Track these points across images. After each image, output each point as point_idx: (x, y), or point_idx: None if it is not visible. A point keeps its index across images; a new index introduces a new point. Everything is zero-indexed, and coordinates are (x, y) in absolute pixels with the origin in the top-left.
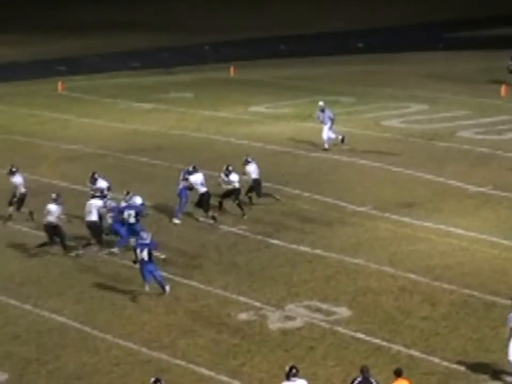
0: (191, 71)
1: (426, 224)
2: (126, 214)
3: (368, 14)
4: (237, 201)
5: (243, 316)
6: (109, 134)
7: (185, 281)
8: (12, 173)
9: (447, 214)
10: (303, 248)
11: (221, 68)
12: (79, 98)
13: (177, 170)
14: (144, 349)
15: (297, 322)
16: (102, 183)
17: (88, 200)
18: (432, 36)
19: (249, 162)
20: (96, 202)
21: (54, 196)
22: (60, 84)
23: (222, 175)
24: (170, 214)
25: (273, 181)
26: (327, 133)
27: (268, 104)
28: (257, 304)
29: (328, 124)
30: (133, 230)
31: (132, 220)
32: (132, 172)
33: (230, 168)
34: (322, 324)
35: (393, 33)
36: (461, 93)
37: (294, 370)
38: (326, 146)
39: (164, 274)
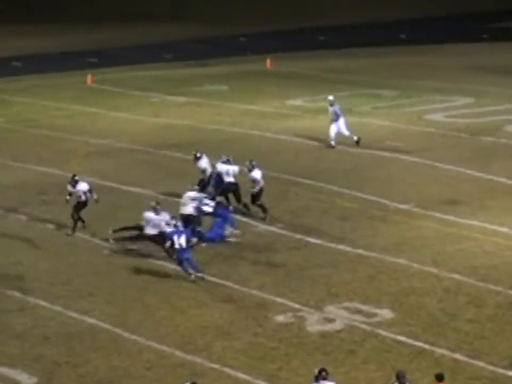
0: (226, 63)
1: (471, 222)
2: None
3: (411, 5)
4: (258, 202)
5: (280, 318)
6: (140, 128)
7: (221, 281)
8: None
9: (493, 212)
10: (344, 247)
11: (257, 59)
12: (109, 91)
13: (189, 164)
14: (177, 352)
15: (337, 325)
16: (82, 185)
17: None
18: (477, 27)
19: (254, 167)
20: (192, 195)
21: (153, 204)
22: (89, 76)
23: (246, 169)
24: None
25: (312, 178)
26: (334, 129)
27: (305, 97)
28: (296, 305)
29: (339, 119)
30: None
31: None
32: (164, 168)
33: (254, 163)
34: (363, 326)
35: (437, 24)
36: (508, 85)
37: (323, 373)
38: (333, 143)
39: (199, 274)
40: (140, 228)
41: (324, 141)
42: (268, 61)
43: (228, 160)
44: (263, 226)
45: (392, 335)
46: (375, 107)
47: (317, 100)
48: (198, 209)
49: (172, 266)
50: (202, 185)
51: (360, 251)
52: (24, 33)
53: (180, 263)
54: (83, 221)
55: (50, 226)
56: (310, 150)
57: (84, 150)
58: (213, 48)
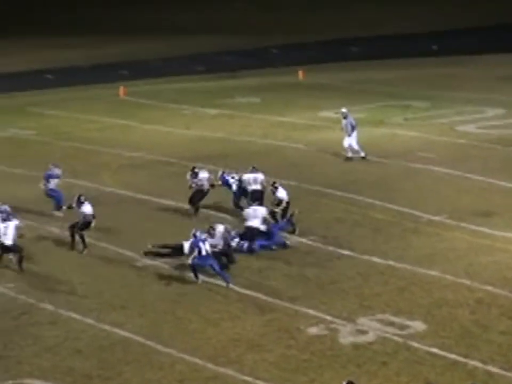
0: (258, 75)
1: (504, 234)
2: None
3: (442, 15)
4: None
5: (313, 330)
6: (172, 140)
7: (253, 293)
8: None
9: None
10: (376, 259)
11: (289, 71)
12: (141, 104)
13: None
14: (209, 365)
15: (370, 337)
16: (87, 208)
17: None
18: (508, 38)
19: (278, 188)
20: (264, 211)
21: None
22: (121, 89)
23: (270, 190)
24: (236, 224)
25: (344, 189)
26: (348, 141)
27: (337, 109)
28: (328, 317)
29: (351, 132)
30: None
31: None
32: (212, 175)
33: (276, 184)
34: (396, 338)
35: (468, 35)
36: None
37: None
38: (349, 154)
39: (233, 287)
40: (180, 249)
41: (356, 152)
42: (300, 73)
43: (254, 168)
44: (295, 238)
45: (425, 347)
46: (407, 118)
47: (349, 111)
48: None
49: (203, 279)
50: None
51: (392, 263)
52: (56, 46)
53: (203, 266)
54: (83, 240)
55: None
56: (342, 162)
57: (116, 163)
58: (245, 60)
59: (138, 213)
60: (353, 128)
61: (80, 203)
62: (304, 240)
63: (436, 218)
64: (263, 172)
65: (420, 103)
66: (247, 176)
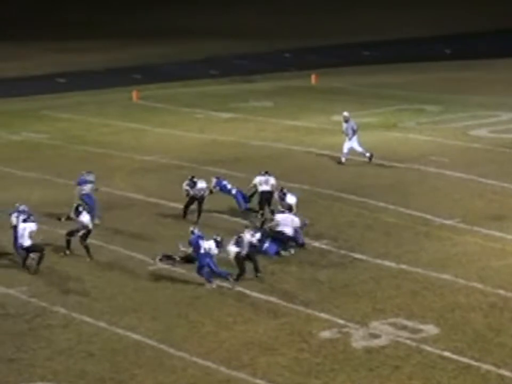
0: (271, 79)
1: None
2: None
3: (455, 19)
4: None
5: (326, 334)
6: (185, 144)
7: (265, 297)
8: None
9: None
10: (388, 263)
11: (302, 75)
12: (154, 108)
13: None
14: (222, 368)
15: (382, 340)
16: (85, 218)
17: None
18: None
19: (286, 194)
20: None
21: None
22: (135, 93)
23: (277, 197)
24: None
25: (357, 193)
26: (349, 145)
27: (351, 113)
28: (341, 321)
29: (352, 136)
30: None
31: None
32: (209, 184)
33: (285, 190)
34: (408, 342)
35: (481, 39)
36: None
37: None
38: (343, 159)
39: (245, 291)
40: (189, 259)
41: (360, 155)
42: (313, 77)
43: (267, 172)
44: (307, 242)
45: (438, 351)
46: (420, 122)
47: (361, 115)
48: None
49: (216, 282)
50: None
51: (404, 267)
52: (69, 50)
53: (200, 268)
54: (88, 251)
55: (95, 242)
56: (355, 166)
57: (129, 166)
58: (258, 64)
59: (151, 216)
60: (354, 132)
61: (78, 213)
62: (316, 244)
63: (449, 222)
64: (275, 177)
65: (432, 107)
66: (258, 179)
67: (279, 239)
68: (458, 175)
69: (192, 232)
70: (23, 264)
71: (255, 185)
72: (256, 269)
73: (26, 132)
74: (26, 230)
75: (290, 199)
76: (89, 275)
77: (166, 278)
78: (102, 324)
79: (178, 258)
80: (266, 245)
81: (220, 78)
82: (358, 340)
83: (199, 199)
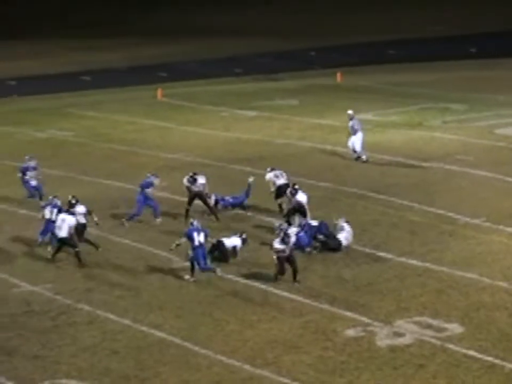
0: (296, 77)
1: None
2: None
3: (481, 18)
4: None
5: (350, 332)
6: (210, 142)
7: (290, 295)
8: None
9: None
10: (413, 262)
11: (327, 74)
12: (179, 106)
13: None
14: (246, 366)
15: (407, 339)
16: (80, 208)
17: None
18: None
19: (297, 191)
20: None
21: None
22: (159, 91)
23: (288, 194)
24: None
25: (381, 192)
26: (352, 140)
27: (376, 111)
28: (365, 319)
29: (358, 134)
30: None
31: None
32: (234, 182)
33: (296, 186)
34: (433, 340)
35: (507, 38)
36: None
37: None
38: (364, 157)
39: (270, 289)
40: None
41: (393, 155)
42: (338, 75)
43: (273, 168)
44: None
45: (462, 350)
46: (445, 121)
47: (386, 113)
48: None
49: (241, 281)
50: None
51: (429, 265)
52: (93, 48)
53: (194, 259)
54: (78, 243)
55: (120, 240)
56: (379, 164)
57: (153, 164)
58: (283, 62)
59: (175, 214)
60: (355, 130)
61: (71, 205)
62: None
63: (474, 221)
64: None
65: (458, 105)
66: (271, 175)
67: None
68: (484, 174)
69: (192, 224)
70: (53, 254)
71: (274, 183)
72: (295, 275)
73: (52, 129)
74: (66, 222)
75: (301, 196)
76: (113, 273)
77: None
78: (127, 322)
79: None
80: (301, 234)
81: (244, 76)
82: (383, 338)
83: (198, 195)
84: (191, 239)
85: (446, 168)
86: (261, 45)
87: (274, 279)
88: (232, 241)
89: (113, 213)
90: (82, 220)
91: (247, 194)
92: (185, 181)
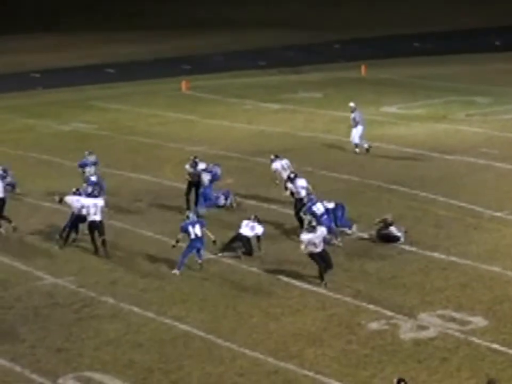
0: (320, 70)
1: None
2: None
3: (506, 12)
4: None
5: (374, 325)
6: (234, 135)
7: (314, 288)
8: None
9: None
10: (437, 255)
11: (351, 66)
12: (203, 98)
13: (305, 173)
14: (270, 359)
15: (431, 332)
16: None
17: None
18: None
19: (295, 177)
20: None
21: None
22: (183, 83)
23: (289, 184)
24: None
25: (406, 185)
26: (358, 134)
27: (400, 104)
28: (389, 313)
29: (356, 126)
30: None
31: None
32: (258, 175)
33: (293, 175)
34: (457, 334)
35: None
36: None
37: (402, 383)
38: (366, 146)
39: (294, 282)
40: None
41: (417, 148)
42: (363, 68)
43: (277, 156)
44: (356, 234)
45: (486, 343)
46: (470, 114)
47: (411, 107)
48: None
49: (265, 274)
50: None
51: (453, 258)
52: (118, 41)
53: (187, 253)
54: (77, 232)
55: (143, 232)
56: (404, 157)
57: (178, 157)
58: (308, 55)
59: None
60: (357, 123)
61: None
62: (365, 235)
63: (498, 214)
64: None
65: (482, 98)
66: (276, 165)
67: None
68: (508, 167)
69: (187, 217)
70: (96, 248)
71: (280, 174)
72: (323, 272)
73: (75, 122)
74: (98, 206)
75: (301, 182)
76: (137, 265)
77: (214, 269)
78: (150, 314)
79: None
80: (324, 216)
81: (269, 69)
82: (406, 331)
83: (196, 183)
84: (187, 232)
85: (471, 161)
86: (286, 37)
87: (321, 278)
88: (253, 230)
89: (136, 205)
90: (84, 212)
91: (226, 197)
92: (187, 166)
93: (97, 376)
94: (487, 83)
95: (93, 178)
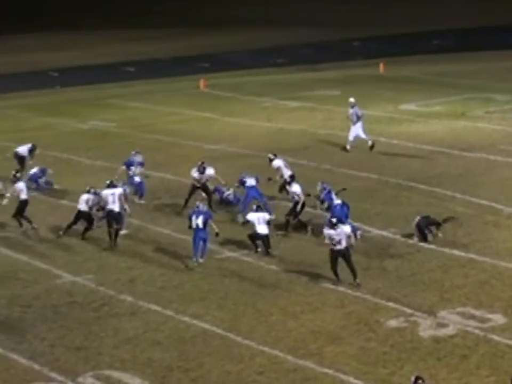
0: (339, 68)
1: None
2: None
3: None
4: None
5: (393, 323)
6: (253, 133)
7: (332, 286)
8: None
9: None
10: (456, 252)
11: (370, 64)
12: (221, 96)
13: (324, 171)
14: (289, 357)
15: (450, 330)
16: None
17: None
18: None
19: (291, 181)
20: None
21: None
22: (202, 81)
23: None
24: (318, 218)
25: (425, 183)
26: (354, 131)
27: (419, 102)
28: (408, 310)
29: (356, 122)
30: None
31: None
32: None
33: (289, 179)
34: (476, 331)
35: None
36: None
37: (419, 381)
38: (348, 147)
39: (312, 279)
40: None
41: (436, 145)
42: (381, 65)
43: (275, 155)
44: (376, 231)
45: (506, 340)
46: (489, 111)
47: (430, 104)
48: None
49: (284, 271)
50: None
51: (472, 256)
52: (137, 39)
53: (195, 243)
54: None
55: (163, 230)
56: (423, 155)
57: (196, 155)
58: (326, 52)
59: (218, 204)
60: (358, 118)
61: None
62: (384, 232)
63: None
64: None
65: (501, 96)
66: (278, 162)
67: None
68: None
69: (197, 206)
70: (112, 238)
71: (281, 171)
72: (354, 274)
73: (94, 120)
74: (116, 194)
75: (295, 187)
76: (155, 263)
77: (233, 267)
78: (169, 312)
79: None
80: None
81: (287, 67)
82: (426, 329)
83: (203, 188)
84: (190, 221)
85: (490, 159)
86: (304, 35)
87: (355, 280)
88: (266, 223)
89: (155, 203)
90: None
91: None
92: (193, 172)
93: (116, 374)
94: (506, 80)
95: (137, 179)
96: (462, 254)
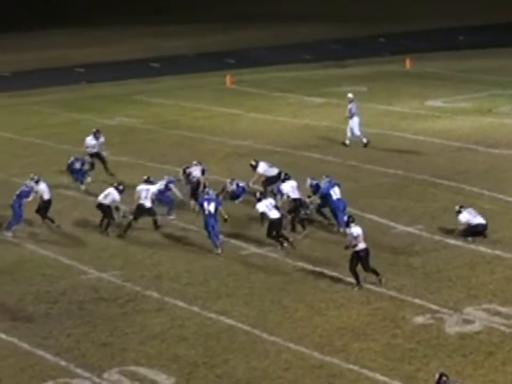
0: (365, 64)
1: None
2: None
3: None
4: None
5: (419, 319)
6: (279, 129)
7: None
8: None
9: None
10: (483, 249)
11: (396, 60)
12: (247, 92)
13: (349, 167)
14: (315, 353)
15: (476, 326)
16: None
17: None
18: None
19: (287, 179)
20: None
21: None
22: (228, 78)
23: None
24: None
25: (452, 179)
26: (353, 128)
27: (445, 98)
28: (434, 307)
29: (354, 118)
30: None
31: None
32: (303, 169)
33: (281, 177)
34: (502, 328)
35: None
36: None
37: (444, 378)
38: (347, 142)
39: (339, 276)
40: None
41: (463, 142)
42: (407, 61)
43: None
44: (401, 228)
45: None
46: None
47: (456, 100)
48: None
49: (310, 268)
50: None
51: (499, 252)
52: (162, 35)
53: (206, 227)
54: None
55: (189, 227)
56: (449, 151)
57: (222, 151)
58: (352, 48)
59: (244, 201)
60: (352, 114)
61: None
62: (410, 229)
63: None
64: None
65: None
66: (263, 166)
67: None
68: None
69: (207, 193)
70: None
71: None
72: (376, 272)
73: (120, 116)
74: (150, 191)
75: (286, 186)
76: (184, 260)
77: (259, 263)
78: (195, 309)
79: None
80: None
81: (313, 63)
82: (452, 325)
83: (196, 186)
84: (202, 207)
85: None
86: (330, 31)
87: (380, 281)
88: (276, 208)
89: (181, 200)
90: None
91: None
92: (181, 176)
93: (142, 370)
94: None
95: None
96: (489, 250)
